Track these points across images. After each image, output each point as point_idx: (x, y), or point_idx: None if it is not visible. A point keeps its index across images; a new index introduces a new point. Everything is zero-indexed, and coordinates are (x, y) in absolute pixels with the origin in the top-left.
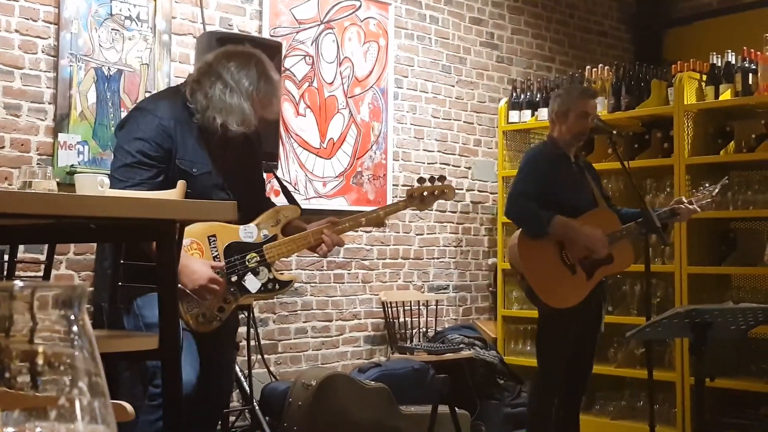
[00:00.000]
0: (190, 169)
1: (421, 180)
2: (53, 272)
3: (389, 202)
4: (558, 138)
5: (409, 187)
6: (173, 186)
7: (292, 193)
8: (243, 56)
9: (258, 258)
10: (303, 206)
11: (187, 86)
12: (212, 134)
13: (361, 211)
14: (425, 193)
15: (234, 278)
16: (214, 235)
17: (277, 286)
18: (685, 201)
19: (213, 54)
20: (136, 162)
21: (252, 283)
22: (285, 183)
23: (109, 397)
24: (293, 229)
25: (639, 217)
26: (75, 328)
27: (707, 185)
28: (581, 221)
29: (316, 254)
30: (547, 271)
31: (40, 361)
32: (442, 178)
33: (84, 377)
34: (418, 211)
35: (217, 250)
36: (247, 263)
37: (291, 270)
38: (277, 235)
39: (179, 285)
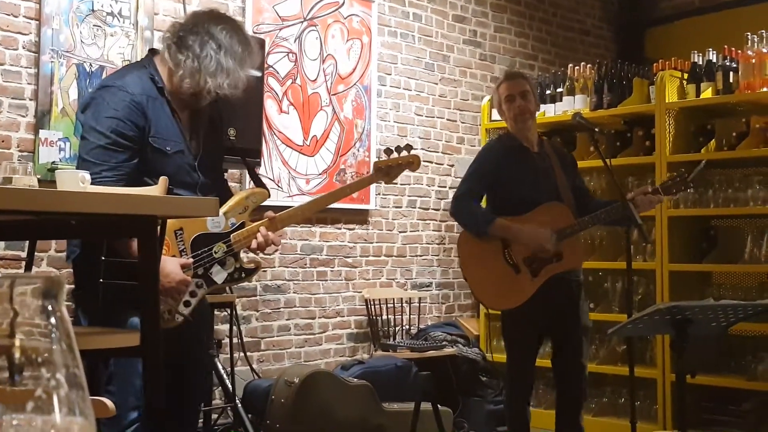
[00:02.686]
0: (164, 147)
1: (387, 151)
2: (34, 269)
3: (372, 198)
4: (510, 130)
5: (376, 160)
6: (148, 166)
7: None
8: (230, 20)
9: (225, 248)
10: (286, 204)
11: (162, 54)
12: (181, 110)
13: (343, 209)
14: (391, 165)
15: (200, 271)
16: (180, 229)
17: (243, 275)
18: (650, 189)
19: (192, 14)
20: (111, 143)
21: (219, 274)
22: (255, 169)
23: (87, 389)
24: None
25: (605, 206)
26: (53, 320)
27: (682, 170)
28: (532, 216)
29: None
30: (488, 270)
31: (17, 353)
32: (408, 147)
33: (62, 369)
34: (384, 184)
35: (183, 244)
36: (213, 254)
37: (274, 267)
38: (245, 222)
39: None
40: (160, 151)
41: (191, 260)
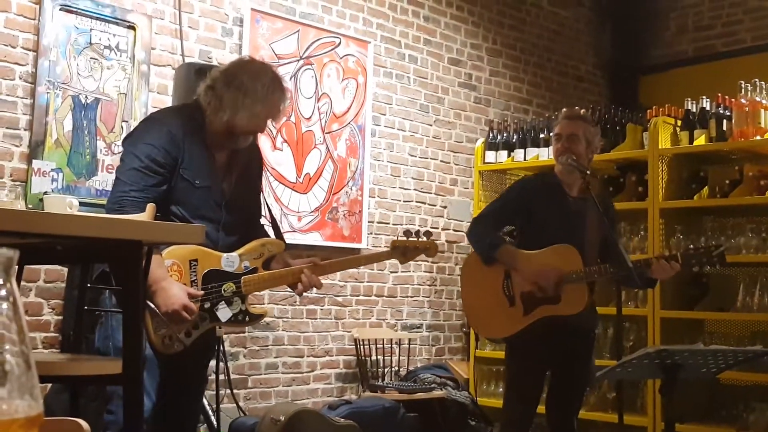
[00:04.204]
0: (192, 180)
1: (407, 233)
2: (22, 299)
3: (364, 237)
4: (555, 168)
5: (394, 239)
6: (176, 195)
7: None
8: (259, 65)
9: (234, 288)
10: None
11: (200, 95)
12: (218, 150)
13: (335, 247)
14: (408, 246)
15: (207, 305)
16: (196, 260)
17: (247, 318)
18: (666, 256)
19: (228, 63)
20: (144, 167)
21: (224, 312)
22: (274, 216)
23: (35, 369)
24: (276, 261)
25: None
26: (2, 293)
27: (712, 243)
28: (542, 253)
29: (292, 291)
30: (484, 296)
31: None
32: (428, 233)
33: (9, 346)
34: (400, 264)
35: (196, 275)
36: (222, 292)
37: (264, 303)
38: (258, 268)
39: (153, 305)
40: (189, 183)
41: (201, 292)
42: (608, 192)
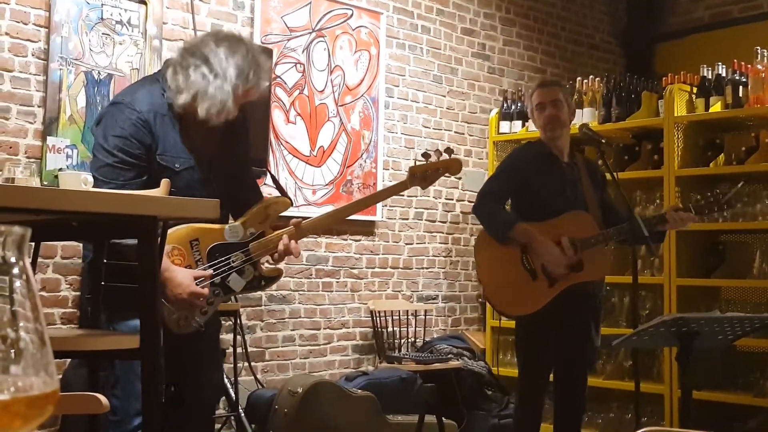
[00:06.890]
0: (172, 165)
1: (425, 155)
2: (39, 276)
3: (378, 209)
4: (541, 137)
5: (411, 165)
6: (157, 183)
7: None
8: (233, 42)
9: (243, 257)
10: (292, 214)
11: (168, 67)
12: (192, 124)
13: (350, 220)
14: (428, 170)
15: (217, 280)
16: (197, 239)
17: (263, 282)
18: (681, 207)
19: (200, 35)
20: (118, 161)
21: (236, 282)
22: (276, 179)
23: (49, 345)
24: (283, 220)
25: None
26: (16, 270)
27: (717, 191)
28: (557, 222)
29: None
30: (504, 274)
31: None
32: (448, 150)
33: (24, 324)
34: (422, 189)
35: (200, 254)
36: (231, 263)
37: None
38: (265, 231)
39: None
40: (169, 169)
41: (210, 272)
42: (611, 157)
